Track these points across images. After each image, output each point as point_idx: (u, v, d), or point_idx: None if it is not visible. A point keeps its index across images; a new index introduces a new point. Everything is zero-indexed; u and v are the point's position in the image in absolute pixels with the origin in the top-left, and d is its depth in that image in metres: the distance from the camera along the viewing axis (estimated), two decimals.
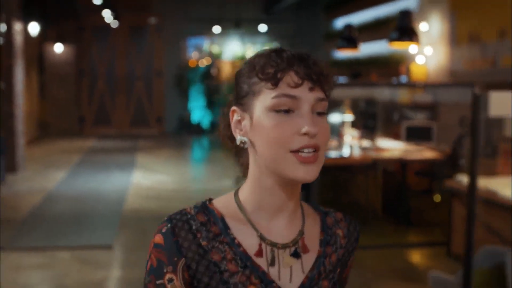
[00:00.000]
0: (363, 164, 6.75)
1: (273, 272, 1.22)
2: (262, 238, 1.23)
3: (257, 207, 1.24)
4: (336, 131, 7.83)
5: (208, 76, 16.20)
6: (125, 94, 16.31)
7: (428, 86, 9.15)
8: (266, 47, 1.25)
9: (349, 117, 7.85)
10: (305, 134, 1.15)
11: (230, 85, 15.64)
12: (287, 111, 1.16)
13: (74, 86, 15.94)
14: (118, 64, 16.22)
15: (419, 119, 8.87)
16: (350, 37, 9.20)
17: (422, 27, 9.66)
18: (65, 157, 11.52)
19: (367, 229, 6.22)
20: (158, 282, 1.19)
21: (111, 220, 6.82)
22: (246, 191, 1.25)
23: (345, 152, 6.77)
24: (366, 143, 7.35)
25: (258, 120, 1.19)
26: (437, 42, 9.33)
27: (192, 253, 1.19)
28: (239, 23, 15.48)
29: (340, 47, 9.17)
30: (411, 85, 9.37)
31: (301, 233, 1.26)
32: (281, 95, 1.16)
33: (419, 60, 9.65)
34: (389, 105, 9.82)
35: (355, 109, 9.44)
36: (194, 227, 1.21)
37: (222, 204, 1.26)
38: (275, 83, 1.17)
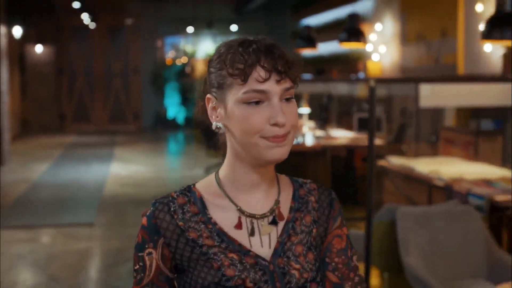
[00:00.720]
0: (315, 150, 7.63)
1: (253, 241, 1.33)
2: (241, 211, 1.34)
3: (235, 184, 1.35)
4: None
5: (183, 74, 17.02)
6: (103, 92, 17.08)
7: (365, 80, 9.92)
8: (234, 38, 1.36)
9: (306, 110, 8.72)
10: (275, 124, 1.26)
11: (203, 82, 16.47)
12: (257, 102, 1.26)
13: (54, 85, 16.67)
14: (96, 63, 16.99)
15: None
16: (309, 37, 10.05)
17: (377, 27, 10.47)
18: (47, 151, 12.28)
19: None
20: (140, 254, 1.34)
21: (92, 203, 7.64)
22: (224, 170, 1.36)
23: (300, 140, 7.65)
24: (320, 132, 8.24)
25: (231, 110, 1.28)
26: (390, 41, 10.14)
27: (170, 232, 1.33)
28: (211, 23, 16.28)
29: (299, 46, 10.01)
30: (361, 80, 10.18)
31: (277, 202, 1.37)
32: (250, 91, 1.25)
33: (375, 57, 10.43)
34: (348, 99, 10.67)
35: (316, 102, 10.34)
36: (172, 209, 1.34)
37: (204, 184, 1.38)
38: (244, 79, 1.25)
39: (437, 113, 8.19)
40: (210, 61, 1.34)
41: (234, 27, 16.94)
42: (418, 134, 8.40)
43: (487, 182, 4.63)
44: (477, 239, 3.85)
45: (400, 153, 7.56)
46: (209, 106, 1.34)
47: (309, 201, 1.41)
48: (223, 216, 1.35)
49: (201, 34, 17.03)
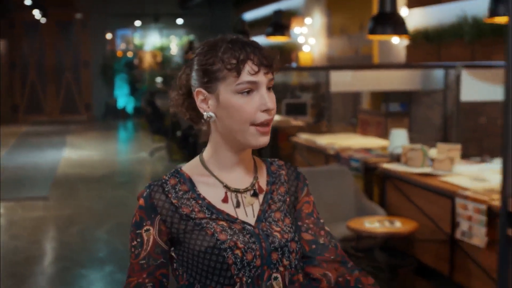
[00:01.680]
0: None
1: (239, 212, 1.51)
2: (227, 187, 1.52)
3: (219, 164, 1.53)
4: None
5: (132, 66, 17.93)
6: (55, 84, 17.90)
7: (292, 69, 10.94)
8: (211, 38, 1.52)
9: None
10: (265, 110, 1.44)
11: (151, 74, 17.41)
12: (248, 92, 1.44)
13: (7, 78, 17.38)
14: (47, 56, 17.79)
15: (303, 97, 10.76)
16: (243, 30, 11.08)
17: (307, 21, 11.49)
18: (3, 140, 13.07)
19: None
20: (137, 231, 1.49)
21: (46, 181, 8.61)
22: (209, 153, 1.54)
23: None
24: None
25: (225, 100, 1.44)
26: (318, 34, 11.15)
27: (166, 210, 1.48)
28: (158, 17, 17.15)
29: None
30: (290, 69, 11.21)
31: (256, 177, 1.56)
32: (244, 82, 1.43)
33: (305, 48, 11.43)
34: (281, 86, 11.71)
35: None
36: (166, 189, 1.50)
37: (190, 167, 1.55)
38: (238, 72, 1.42)
39: (356, 98, 9.27)
40: (197, 58, 1.49)
41: (179, 21, 17.86)
42: (338, 116, 9.49)
43: (367, 150, 5.77)
44: (349, 192, 4.98)
45: (320, 133, 8.63)
46: (198, 99, 1.49)
47: (281, 175, 1.61)
48: (211, 192, 1.51)
49: (148, 28, 17.94)
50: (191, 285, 1.49)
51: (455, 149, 5.10)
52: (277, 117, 9.42)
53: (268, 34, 9.39)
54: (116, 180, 9.11)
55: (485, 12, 4.94)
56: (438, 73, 6.76)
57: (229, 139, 1.50)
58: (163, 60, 18.14)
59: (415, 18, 8.01)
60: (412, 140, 6.36)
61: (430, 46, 7.31)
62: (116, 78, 17.92)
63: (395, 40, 8.23)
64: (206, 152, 1.55)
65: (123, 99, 17.91)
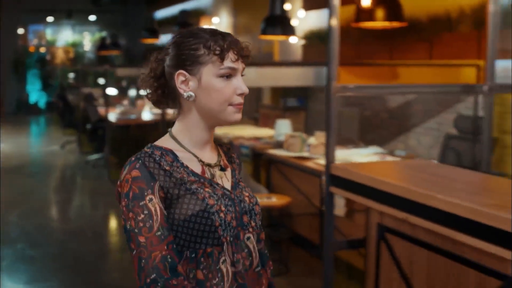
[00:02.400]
0: (152, 124, 9.25)
1: (214, 180, 1.68)
2: (201, 161, 1.66)
3: (192, 141, 1.66)
4: (133, 102, 10.32)
5: (44, 62, 18.08)
6: None
7: None
8: (184, 30, 1.65)
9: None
10: (240, 94, 1.62)
11: (63, 69, 17.63)
12: (228, 77, 1.60)
13: None
14: None
15: None
16: (152, 28, 11.54)
17: (215, 20, 12.06)
18: None
19: None
20: (141, 203, 1.53)
21: None
22: (181, 132, 1.66)
23: (142, 116, 9.25)
24: (156, 110, 9.85)
25: (206, 82, 1.60)
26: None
27: (162, 176, 1.57)
28: (70, 14, 17.38)
29: (143, 37, 11.48)
30: None
31: (220, 155, 1.73)
32: (226, 68, 1.59)
33: None
34: None
35: None
36: (157, 159, 1.59)
37: (164, 143, 1.65)
38: (222, 58, 1.59)
39: (259, 93, 9.90)
40: (178, 44, 1.61)
41: (92, 18, 18.13)
42: (242, 111, 10.11)
43: (257, 139, 6.44)
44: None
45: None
46: (178, 80, 1.61)
47: (232, 156, 1.80)
48: (189, 164, 1.63)
49: (61, 24, 18.12)
50: (181, 253, 1.58)
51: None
52: None
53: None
54: (28, 171, 9.46)
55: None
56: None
57: (206, 117, 1.63)
58: (76, 56, 18.38)
59: (310, 20, 8.75)
60: (308, 131, 7.04)
61: (323, 45, 8.03)
62: (28, 73, 18.01)
63: (293, 39, 8.94)
64: (177, 131, 1.66)
65: (35, 94, 18.04)
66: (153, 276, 1.50)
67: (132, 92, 10.28)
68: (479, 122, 4.79)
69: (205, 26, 1.69)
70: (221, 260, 1.59)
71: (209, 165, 1.67)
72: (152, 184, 1.55)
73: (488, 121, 3.61)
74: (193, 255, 1.57)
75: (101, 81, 13.67)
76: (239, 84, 1.61)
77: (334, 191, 3.17)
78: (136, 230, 1.52)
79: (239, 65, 1.62)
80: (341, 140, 6.23)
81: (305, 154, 5.50)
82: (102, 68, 11.13)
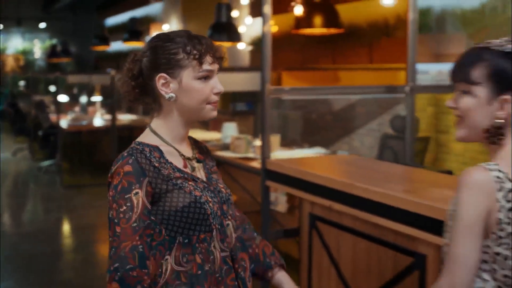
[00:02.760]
0: (103, 130, 9.40)
1: (194, 174, 1.81)
2: (182, 155, 1.80)
3: (171, 137, 1.78)
4: (85, 108, 10.45)
5: None
6: None
7: None
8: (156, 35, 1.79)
9: (98, 98, 10.45)
10: (216, 93, 1.76)
11: (13, 77, 17.58)
12: (205, 78, 1.74)
13: None
14: None
15: None
16: (103, 35, 11.73)
17: (165, 27, 12.26)
18: None
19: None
20: (126, 196, 1.65)
21: None
22: (162, 128, 1.79)
23: (84, 122, 9.40)
24: (108, 116, 10.01)
25: (186, 84, 1.72)
26: None
27: (151, 172, 1.69)
28: (20, 21, 17.35)
29: (93, 44, 11.67)
30: None
31: (194, 148, 1.88)
32: (204, 70, 1.73)
33: None
34: None
35: (109, 92, 12.03)
36: (147, 155, 1.71)
37: (148, 139, 1.77)
38: (201, 62, 1.72)
39: None
40: (158, 48, 1.74)
41: (42, 25, 18.12)
42: None
43: (205, 142, 6.67)
44: None
45: None
46: (159, 82, 1.73)
47: (203, 147, 1.93)
48: (173, 159, 1.76)
49: (10, 31, 18.05)
50: (173, 239, 1.70)
51: (275, 139, 6.09)
52: (133, 117, 10.16)
53: (125, 40, 10.13)
54: None
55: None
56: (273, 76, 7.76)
57: (186, 115, 1.76)
58: (26, 64, 18.33)
59: (258, 26, 9.03)
60: (257, 134, 7.26)
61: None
62: None
63: (241, 45, 9.21)
64: (158, 126, 1.78)
65: None
66: (116, 265, 1.60)
67: (83, 99, 10.43)
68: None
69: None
70: (212, 245, 1.73)
71: (188, 159, 1.80)
72: (141, 179, 1.66)
73: (410, 120, 3.92)
74: (186, 241, 1.70)
75: (52, 88, 13.72)
76: (216, 84, 1.76)
77: (270, 185, 3.44)
78: (116, 220, 1.63)
79: (215, 67, 1.76)
80: (286, 141, 6.52)
81: (251, 155, 5.76)
82: (53, 75, 11.22)
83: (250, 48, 9.35)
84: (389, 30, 7.04)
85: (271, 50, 3.38)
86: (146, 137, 1.78)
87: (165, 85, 1.73)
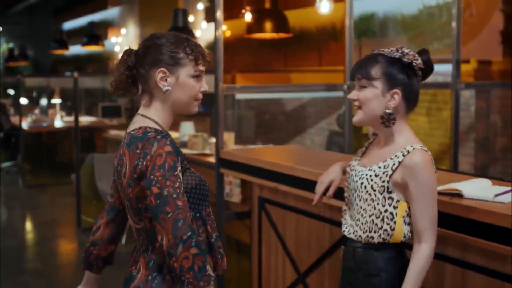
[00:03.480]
0: (63, 131, 9.68)
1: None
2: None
3: (163, 124, 1.97)
4: (45, 110, 10.70)
5: None
6: None
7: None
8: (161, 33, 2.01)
9: (58, 100, 10.70)
10: (203, 91, 2.00)
11: None
12: (197, 77, 1.98)
13: None
14: None
15: (119, 101, 11.78)
16: (61, 39, 11.92)
17: (123, 31, 12.52)
18: None
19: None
20: (176, 173, 1.83)
21: None
22: (159, 116, 1.97)
23: (54, 124, 9.68)
24: (68, 118, 10.29)
25: (183, 81, 1.95)
26: (133, 43, 12.19)
27: (180, 153, 1.91)
28: None
29: (53, 48, 11.84)
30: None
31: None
32: (198, 70, 1.98)
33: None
34: (100, 91, 12.67)
35: (68, 95, 12.28)
36: (172, 138, 1.92)
37: (151, 125, 1.95)
38: (197, 63, 1.97)
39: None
40: (160, 45, 1.95)
41: None
42: None
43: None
44: None
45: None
46: (158, 76, 1.94)
47: None
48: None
49: None
50: None
51: (230, 136, 6.50)
52: (92, 119, 10.44)
53: (84, 44, 10.41)
54: None
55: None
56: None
57: (175, 107, 1.97)
58: None
59: (212, 31, 9.42)
60: (213, 133, 7.64)
61: (225, 54, 8.72)
62: None
63: None
64: (154, 116, 1.97)
65: None
66: (189, 233, 1.79)
67: (43, 101, 10.68)
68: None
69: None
70: (213, 218, 2.03)
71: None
72: (178, 157, 1.87)
73: (349, 116, 4.36)
74: (198, 215, 1.95)
75: (11, 91, 13.88)
76: (203, 84, 2.01)
77: (223, 172, 3.85)
78: (174, 195, 1.80)
79: (204, 69, 2.01)
80: (240, 139, 6.93)
81: (207, 151, 6.16)
82: (13, 79, 11.43)
83: (206, 51, 9.71)
84: (336, 35, 7.51)
85: (223, 52, 3.78)
86: (149, 123, 1.95)
87: (163, 79, 1.94)
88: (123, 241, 5.94)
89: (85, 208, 6.67)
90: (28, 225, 7.09)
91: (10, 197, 8.48)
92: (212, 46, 9.36)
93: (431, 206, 2.00)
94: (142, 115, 1.97)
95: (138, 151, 1.87)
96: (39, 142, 10.08)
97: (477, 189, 2.31)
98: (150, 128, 1.91)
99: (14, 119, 10.58)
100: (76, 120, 6.41)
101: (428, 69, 2.08)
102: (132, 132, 1.93)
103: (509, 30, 5.82)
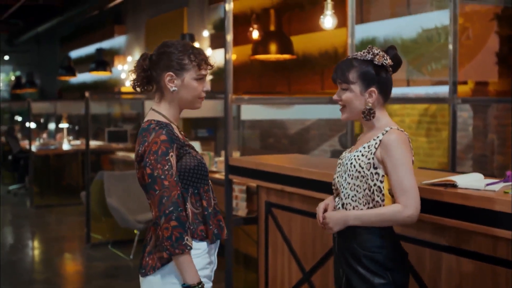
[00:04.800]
0: (70, 153, 9.88)
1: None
2: (182, 132, 2.39)
3: (171, 118, 2.34)
4: (53, 134, 10.91)
5: None
6: None
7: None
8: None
9: (66, 125, 10.93)
10: (206, 91, 2.35)
11: None
12: (200, 79, 2.33)
13: None
14: None
15: (124, 126, 12.00)
16: (69, 66, 12.22)
17: (129, 59, 12.76)
18: None
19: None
20: (167, 158, 2.21)
21: None
22: (164, 111, 2.35)
23: (54, 146, 9.88)
24: (75, 142, 10.50)
25: (187, 83, 2.30)
26: None
27: (176, 141, 2.26)
28: None
29: (60, 75, 12.13)
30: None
31: (180, 127, 2.42)
32: (201, 74, 2.33)
33: (127, 83, 12.67)
34: (105, 117, 12.90)
35: (76, 120, 12.51)
36: (170, 128, 2.28)
37: (160, 119, 2.32)
38: (200, 67, 2.32)
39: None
40: (169, 52, 2.32)
41: (6, 57, 18.49)
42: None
43: None
44: None
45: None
46: (167, 79, 2.31)
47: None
48: (177, 133, 2.31)
49: None
50: (186, 190, 2.28)
51: (236, 155, 6.71)
52: (99, 143, 10.63)
53: (92, 70, 10.67)
54: None
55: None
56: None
57: (181, 104, 2.34)
58: None
59: (217, 57, 9.66)
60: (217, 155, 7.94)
61: None
62: None
63: None
64: (161, 110, 2.35)
65: None
66: (171, 208, 2.16)
67: (51, 126, 10.91)
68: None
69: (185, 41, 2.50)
70: (211, 195, 2.36)
71: (183, 135, 2.38)
72: (172, 145, 2.23)
73: (350, 135, 4.56)
74: (196, 191, 2.30)
75: (19, 118, 14.09)
76: (206, 85, 2.36)
77: (232, 178, 4.04)
78: (162, 176, 2.18)
79: (207, 72, 2.37)
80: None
81: (214, 169, 6.36)
82: (21, 104, 11.64)
83: (211, 77, 9.94)
84: (338, 59, 7.74)
85: (232, 70, 4.00)
86: (156, 117, 2.32)
87: (171, 81, 2.31)
88: (131, 255, 6.12)
89: (93, 226, 6.84)
90: (35, 241, 7.26)
91: (19, 217, 8.65)
92: (217, 72, 9.61)
93: (406, 178, 2.22)
94: (153, 109, 2.36)
95: (141, 138, 2.25)
96: (47, 165, 10.28)
97: (470, 181, 2.50)
98: (154, 120, 2.28)
99: (23, 143, 10.79)
100: (87, 137, 6.61)
101: (396, 63, 2.37)
102: (142, 124, 2.33)
103: (504, 51, 6.05)
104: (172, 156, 2.22)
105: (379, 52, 2.34)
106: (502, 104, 5.81)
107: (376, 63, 2.32)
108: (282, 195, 3.60)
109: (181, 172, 2.27)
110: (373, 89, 2.32)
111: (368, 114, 2.33)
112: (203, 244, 2.30)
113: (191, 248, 2.19)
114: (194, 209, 2.29)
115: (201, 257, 2.29)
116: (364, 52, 2.35)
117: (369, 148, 2.31)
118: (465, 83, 6.02)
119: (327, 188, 3.08)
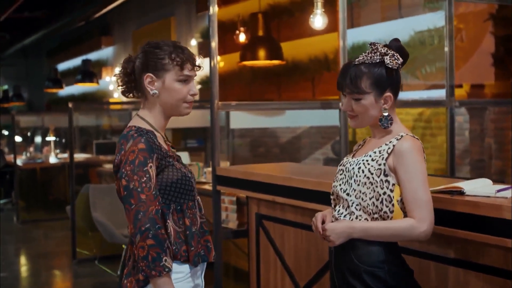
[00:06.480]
0: (57, 166, 9.65)
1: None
2: (167, 141, 2.20)
3: (156, 125, 2.14)
4: (39, 148, 10.67)
5: None
6: None
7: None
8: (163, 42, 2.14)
9: (53, 138, 10.69)
10: (192, 94, 2.14)
11: None
12: (184, 81, 2.11)
13: None
14: None
15: (113, 138, 11.81)
16: (56, 79, 12.00)
17: (116, 70, 12.57)
18: None
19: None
20: (145, 169, 2.00)
21: None
22: (148, 117, 2.15)
23: (40, 160, 9.64)
24: (62, 155, 10.26)
25: (168, 85, 2.09)
26: None
27: (157, 150, 2.05)
28: None
29: (47, 87, 11.90)
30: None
31: (167, 138, 2.22)
32: (184, 75, 2.11)
33: (116, 95, 12.48)
34: (93, 129, 12.70)
35: (63, 133, 12.27)
36: (151, 136, 2.07)
37: (141, 124, 2.11)
38: (182, 68, 2.10)
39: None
40: (150, 52, 2.11)
41: None
42: None
43: None
44: None
45: None
46: (146, 80, 2.11)
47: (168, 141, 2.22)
48: (161, 142, 2.12)
49: None
50: (168, 206, 2.08)
51: (225, 165, 6.50)
52: (87, 155, 10.41)
53: (78, 81, 10.44)
54: None
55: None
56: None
57: (165, 109, 2.13)
58: None
59: (206, 67, 9.49)
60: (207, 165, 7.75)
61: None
62: None
63: None
64: (145, 115, 2.15)
65: None
66: (147, 225, 1.95)
67: (38, 139, 10.66)
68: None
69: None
70: (196, 212, 2.14)
71: (170, 146, 2.18)
72: (152, 155, 2.02)
73: (344, 143, 4.36)
74: (179, 207, 2.08)
75: (5, 132, 13.84)
76: (192, 87, 2.14)
77: (220, 189, 3.83)
78: (139, 189, 1.97)
79: (193, 73, 2.14)
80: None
81: (203, 179, 6.14)
82: (7, 118, 11.41)
83: (199, 86, 9.76)
84: (329, 65, 7.56)
85: (217, 76, 3.80)
86: (139, 123, 2.12)
87: (151, 83, 2.11)
88: (119, 271, 5.88)
89: (80, 240, 6.61)
90: (21, 258, 7.02)
91: (5, 232, 8.40)
92: (206, 81, 9.42)
93: (420, 190, 2.02)
94: (137, 115, 2.16)
95: (119, 146, 2.06)
96: (34, 179, 10.03)
97: (478, 187, 2.30)
98: (135, 127, 2.08)
99: (9, 157, 10.53)
100: (71, 150, 6.38)
101: (404, 56, 2.15)
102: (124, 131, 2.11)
103: (501, 52, 5.88)
104: (151, 167, 2.01)
105: (387, 50, 2.11)
106: (500, 107, 5.63)
107: (390, 66, 2.09)
108: (273, 206, 3.39)
109: (162, 186, 2.07)
110: (388, 94, 2.13)
111: (386, 121, 2.12)
112: (186, 267, 2.09)
113: (169, 270, 1.98)
114: (176, 228, 2.08)
115: (184, 281, 2.08)
116: (369, 54, 2.13)
117: (380, 153, 2.10)
118: (460, 86, 5.84)
119: (322, 198, 2.88)
